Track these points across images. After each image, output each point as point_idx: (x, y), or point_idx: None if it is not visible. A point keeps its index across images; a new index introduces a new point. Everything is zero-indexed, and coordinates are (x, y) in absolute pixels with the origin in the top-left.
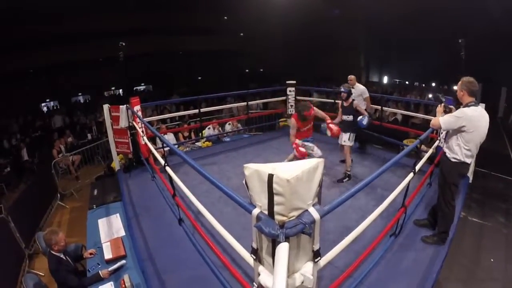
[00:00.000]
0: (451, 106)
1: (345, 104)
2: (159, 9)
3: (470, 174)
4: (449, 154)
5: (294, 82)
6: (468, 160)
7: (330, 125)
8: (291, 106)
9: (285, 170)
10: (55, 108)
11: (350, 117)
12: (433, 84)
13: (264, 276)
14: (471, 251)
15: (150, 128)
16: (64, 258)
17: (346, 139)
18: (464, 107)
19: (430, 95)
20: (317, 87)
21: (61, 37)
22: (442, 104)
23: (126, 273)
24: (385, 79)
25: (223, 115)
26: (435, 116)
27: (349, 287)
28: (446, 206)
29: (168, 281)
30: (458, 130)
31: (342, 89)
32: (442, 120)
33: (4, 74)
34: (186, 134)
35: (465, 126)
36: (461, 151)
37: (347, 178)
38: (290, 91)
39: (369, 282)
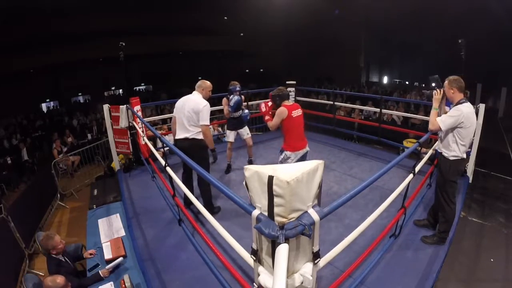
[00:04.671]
0: (447, 108)
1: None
2: (159, 9)
3: (470, 174)
4: (446, 153)
5: (294, 82)
6: (465, 155)
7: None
8: None
9: (285, 172)
10: (55, 108)
11: (239, 113)
12: (433, 84)
13: (264, 276)
14: (471, 251)
15: (150, 128)
16: (63, 259)
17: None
18: (456, 104)
19: (427, 91)
20: (318, 87)
21: (61, 37)
22: (442, 90)
23: (126, 273)
24: (385, 79)
25: (224, 115)
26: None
27: (349, 287)
28: (447, 204)
29: (168, 281)
30: (455, 128)
31: (238, 88)
32: (442, 122)
33: (5, 74)
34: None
35: (463, 122)
36: (459, 147)
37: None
38: (290, 91)
39: (369, 282)
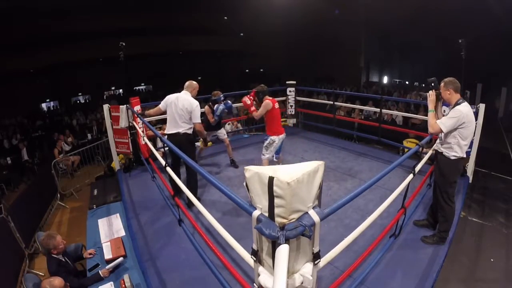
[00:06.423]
0: (444, 108)
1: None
2: (159, 9)
3: (470, 174)
4: (447, 153)
5: (294, 82)
6: (465, 155)
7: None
8: (291, 106)
9: (286, 173)
10: (55, 108)
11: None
12: (433, 84)
13: (264, 276)
14: (471, 251)
15: (151, 128)
16: (63, 260)
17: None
18: (455, 105)
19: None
20: (318, 87)
21: (62, 37)
22: (434, 91)
23: (126, 273)
24: (385, 79)
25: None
26: (427, 112)
27: (349, 287)
28: (447, 204)
29: (168, 281)
30: (457, 128)
31: (222, 97)
32: (443, 125)
33: (5, 74)
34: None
35: (464, 122)
36: (460, 147)
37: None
38: (290, 91)
39: (369, 282)
